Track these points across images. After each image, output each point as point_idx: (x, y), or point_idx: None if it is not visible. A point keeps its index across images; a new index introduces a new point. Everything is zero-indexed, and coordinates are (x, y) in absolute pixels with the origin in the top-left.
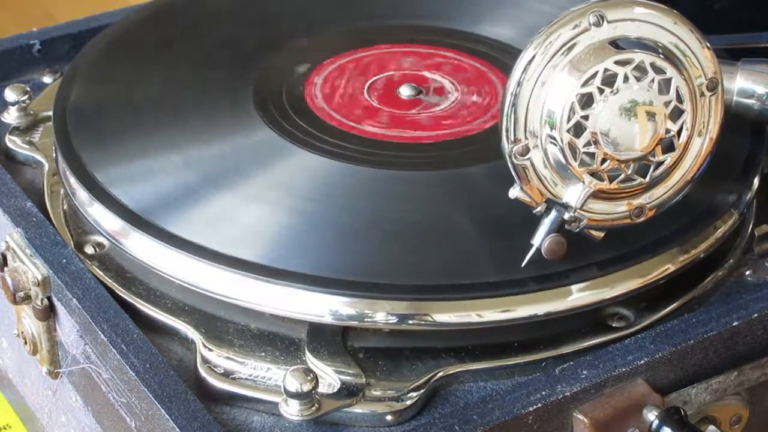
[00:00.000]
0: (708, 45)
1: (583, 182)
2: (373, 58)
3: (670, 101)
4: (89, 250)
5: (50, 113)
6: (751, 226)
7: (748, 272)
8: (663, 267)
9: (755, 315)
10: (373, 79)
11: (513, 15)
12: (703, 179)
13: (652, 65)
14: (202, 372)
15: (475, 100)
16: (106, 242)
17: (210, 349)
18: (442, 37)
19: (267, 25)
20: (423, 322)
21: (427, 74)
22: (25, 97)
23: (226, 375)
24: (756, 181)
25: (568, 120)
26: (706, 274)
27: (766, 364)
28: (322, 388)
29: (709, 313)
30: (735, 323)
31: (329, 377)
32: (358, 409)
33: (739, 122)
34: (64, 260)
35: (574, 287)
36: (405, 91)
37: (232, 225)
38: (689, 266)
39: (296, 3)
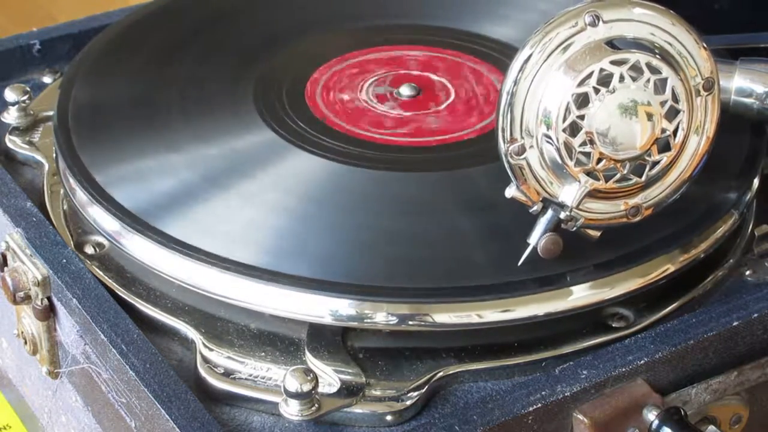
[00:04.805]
0: (705, 45)
1: (579, 182)
2: (373, 58)
3: (666, 101)
4: (89, 250)
5: (50, 113)
6: (751, 226)
7: (748, 272)
8: (663, 267)
9: (755, 315)
10: (373, 79)
11: (513, 14)
12: (703, 179)
13: (648, 65)
14: (202, 372)
15: (475, 101)
16: (106, 242)
17: (210, 349)
18: (442, 37)
19: (267, 26)
20: (423, 323)
21: (427, 74)
22: (25, 97)
23: (226, 375)
24: (756, 181)
25: (564, 119)
26: (706, 274)
27: (766, 364)
28: (322, 388)
29: (709, 313)
30: (735, 323)
31: (329, 377)
32: (358, 409)
33: (738, 122)
34: (64, 260)
35: (574, 288)
36: (405, 92)
37: (233, 226)
38: (689, 266)
39: (296, 3)
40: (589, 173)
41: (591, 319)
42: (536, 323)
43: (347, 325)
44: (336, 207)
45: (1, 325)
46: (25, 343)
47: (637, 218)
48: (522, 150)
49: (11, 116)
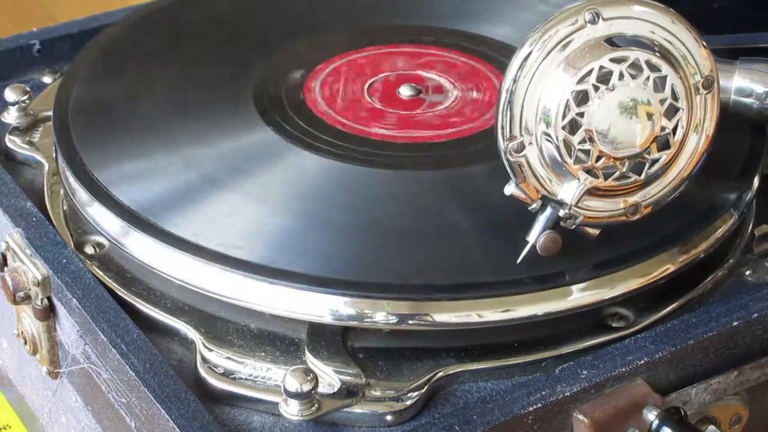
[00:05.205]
0: (704, 43)
1: (578, 179)
2: (373, 58)
3: (666, 99)
4: (89, 250)
5: (50, 113)
6: (751, 226)
7: (748, 272)
8: (663, 267)
9: (755, 315)
10: (373, 79)
11: (513, 15)
12: (703, 179)
13: (648, 63)
14: (202, 372)
15: (474, 100)
16: (106, 242)
17: (210, 349)
18: (442, 37)
19: (267, 26)
20: (423, 323)
21: (427, 74)
22: (25, 97)
23: (226, 375)
24: (756, 181)
25: (564, 117)
26: (706, 274)
27: (766, 364)
28: (322, 388)
29: (709, 313)
30: (735, 323)
31: (329, 377)
32: (358, 409)
33: (738, 122)
34: (64, 260)
35: (574, 287)
36: (405, 91)
37: (232, 225)
38: (689, 266)
39: (295, 4)
40: (589, 171)
41: (591, 319)
42: (536, 323)
43: (347, 325)
44: (336, 206)
45: (1, 325)
46: (25, 343)
47: (636, 216)
48: (521, 147)
49: (11, 116)
